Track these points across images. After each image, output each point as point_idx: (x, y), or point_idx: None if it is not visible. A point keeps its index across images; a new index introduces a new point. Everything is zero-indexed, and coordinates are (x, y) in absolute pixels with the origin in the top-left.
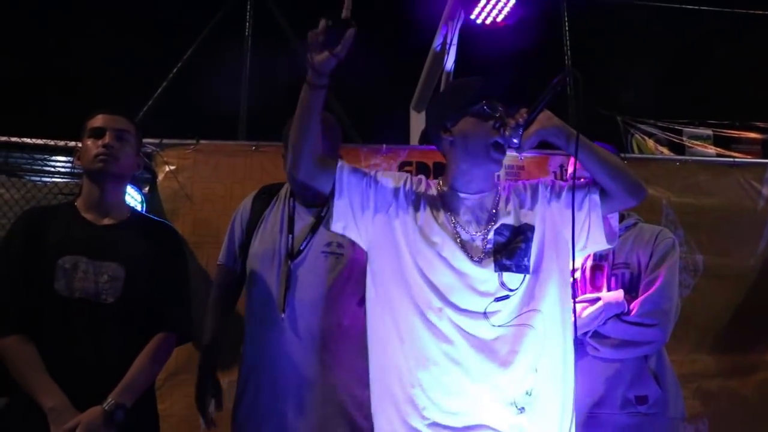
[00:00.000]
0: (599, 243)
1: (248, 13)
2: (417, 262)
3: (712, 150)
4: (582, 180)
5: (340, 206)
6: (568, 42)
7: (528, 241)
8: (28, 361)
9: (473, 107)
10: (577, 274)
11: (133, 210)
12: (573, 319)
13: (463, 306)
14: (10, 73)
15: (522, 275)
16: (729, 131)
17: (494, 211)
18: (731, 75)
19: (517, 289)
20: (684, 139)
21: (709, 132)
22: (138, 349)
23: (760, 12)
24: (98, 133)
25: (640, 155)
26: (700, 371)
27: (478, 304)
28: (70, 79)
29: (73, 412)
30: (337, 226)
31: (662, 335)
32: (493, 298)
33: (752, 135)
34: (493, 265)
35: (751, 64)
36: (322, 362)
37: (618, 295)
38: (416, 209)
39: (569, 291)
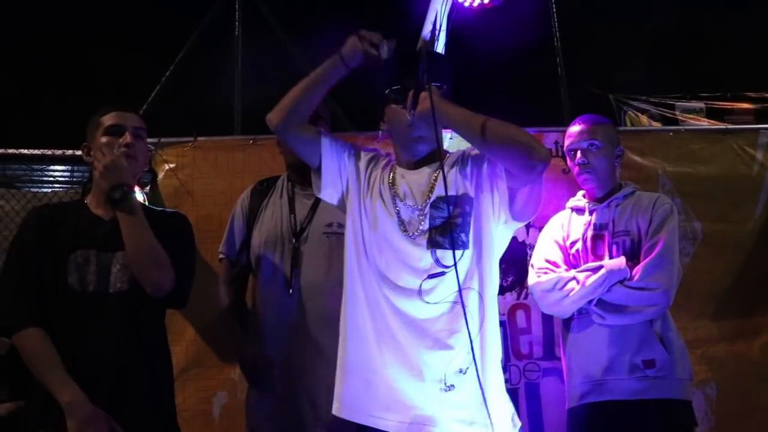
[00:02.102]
0: (508, 221)
1: (237, 12)
2: (363, 238)
3: (705, 122)
4: None
5: (326, 174)
6: (556, 23)
7: (466, 214)
8: (44, 355)
9: (388, 95)
10: (579, 244)
11: (143, 205)
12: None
13: (399, 283)
14: (3, 85)
15: (460, 251)
16: (721, 103)
17: (432, 185)
18: (721, 48)
19: (451, 266)
20: (677, 113)
21: (701, 105)
22: (151, 338)
23: None
24: (117, 131)
25: (633, 128)
26: (705, 337)
27: (412, 281)
28: (64, 87)
29: (89, 406)
30: (324, 193)
31: (666, 298)
32: (426, 275)
33: (744, 105)
34: (425, 241)
35: (740, 36)
36: (333, 341)
37: (620, 261)
38: (368, 187)
39: (498, 264)
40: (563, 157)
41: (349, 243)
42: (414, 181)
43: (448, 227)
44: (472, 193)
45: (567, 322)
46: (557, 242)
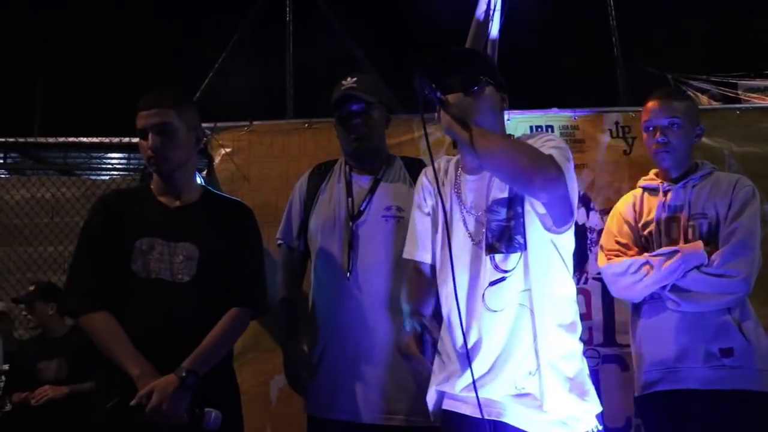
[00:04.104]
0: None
1: None
2: (437, 253)
3: None
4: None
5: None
6: (612, 2)
7: (518, 216)
8: (114, 334)
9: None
10: (652, 226)
11: (205, 189)
12: (565, 291)
13: (464, 292)
14: (62, 75)
15: (517, 254)
16: None
17: (489, 188)
18: None
19: (511, 270)
20: (739, 92)
21: (766, 83)
22: (211, 327)
23: None
24: (143, 135)
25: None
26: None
27: (475, 288)
28: (121, 74)
29: (158, 377)
30: None
31: (746, 286)
32: (488, 282)
33: None
34: (484, 247)
35: None
36: (393, 324)
37: (697, 246)
38: (437, 211)
39: (563, 262)
40: (624, 138)
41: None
42: (474, 188)
43: (504, 231)
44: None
45: (637, 307)
46: (629, 223)
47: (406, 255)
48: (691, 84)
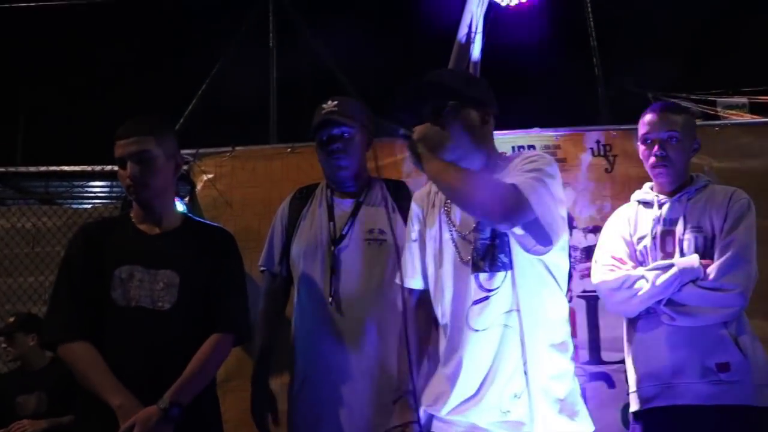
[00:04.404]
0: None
1: (271, 24)
2: (429, 276)
3: (749, 118)
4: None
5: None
6: (591, 23)
7: (503, 235)
8: (93, 364)
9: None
10: (647, 240)
11: (185, 216)
12: (556, 313)
13: (448, 311)
14: (45, 104)
15: (502, 273)
16: (764, 97)
17: None
18: (763, 40)
19: (495, 289)
20: (718, 109)
21: (744, 100)
22: (191, 355)
23: None
24: (121, 164)
25: None
26: (759, 337)
27: (460, 308)
28: (101, 103)
29: (140, 408)
30: None
31: (742, 300)
32: (471, 301)
33: None
34: (470, 266)
35: None
36: (376, 351)
37: (693, 260)
38: (425, 235)
39: (554, 281)
40: (605, 156)
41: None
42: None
43: (488, 250)
44: None
45: (633, 322)
46: (623, 237)
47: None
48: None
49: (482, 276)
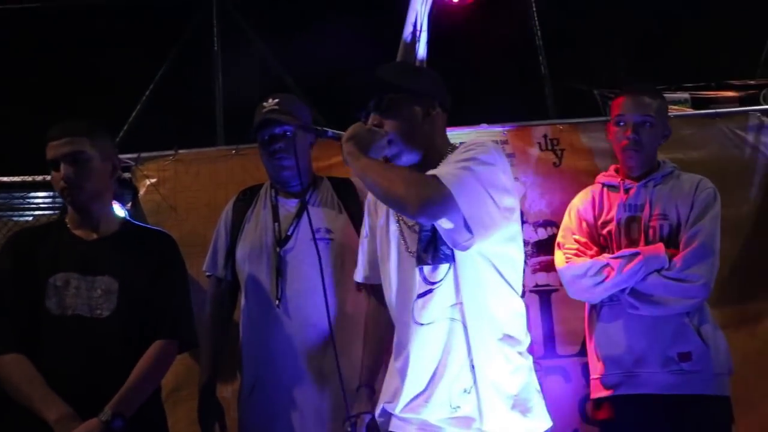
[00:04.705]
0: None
1: (215, 26)
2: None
3: (691, 112)
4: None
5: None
6: (536, 22)
7: None
8: (27, 376)
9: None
10: (611, 226)
11: (124, 221)
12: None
13: (394, 305)
14: None
15: (446, 265)
16: (706, 92)
17: None
18: (703, 37)
19: (438, 282)
20: None
21: (686, 95)
22: (133, 365)
23: None
24: (54, 166)
25: None
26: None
27: (405, 301)
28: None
29: (78, 421)
30: None
31: (706, 291)
32: (416, 295)
33: (729, 93)
34: (414, 259)
35: (719, 25)
36: (327, 352)
37: (658, 248)
38: (375, 228)
39: (499, 275)
40: (553, 151)
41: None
42: None
43: (430, 241)
44: None
45: (595, 309)
46: (587, 221)
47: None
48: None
49: (426, 268)
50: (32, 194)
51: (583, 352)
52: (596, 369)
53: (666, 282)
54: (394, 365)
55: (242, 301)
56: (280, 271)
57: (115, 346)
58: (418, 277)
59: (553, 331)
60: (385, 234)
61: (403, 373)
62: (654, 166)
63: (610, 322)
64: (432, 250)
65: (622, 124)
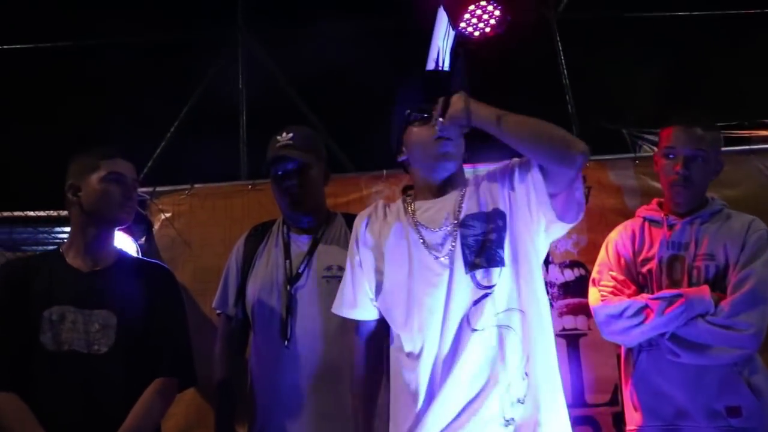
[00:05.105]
0: (555, 222)
1: (240, 63)
2: (387, 292)
3: (725, 149)
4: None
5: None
6: (563, 61)
7: (500, 230)
8: (19, 417)
9: (406, 120)
10: (652, 264)
11: (120, 252)
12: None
13: (434, 315)
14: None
15: (498, 269)
16: (739, 131)
17: (460, 206)
18: (735, 76)
19: (492, 286)
20: None
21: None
22: (133, 402)
23: (754, 11)
24: (121, 180)
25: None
26: None
27: (453, 309)
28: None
29: None
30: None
31: (756, 342)
32: (471, 301)
33: (763, 132)
34: (466, 264)
35: (753, 63)
36: (337, 394)
37: (703, 291)
38: (378, 248)
39: (542, 281)
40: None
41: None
42: (440, 207)
43: (482, 245)
44: (503, 207)
45: (631, 353)
46: (626, 257)
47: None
48: (646, 138)
49: (479, 273)
50: (57, 229)
51: (614, 401)
52: (633, 419)
53: (711, 328)
54: (431, 380)
55: (252, 340)
56: (290, 309)
57: (113, 384)
58: (470, 283)
59: (581, 378)
60: (402, 248)
61: (432, 393)
62: (702, 202)
63: (648, 367)
64: (486, 253)
65: (671, 156)
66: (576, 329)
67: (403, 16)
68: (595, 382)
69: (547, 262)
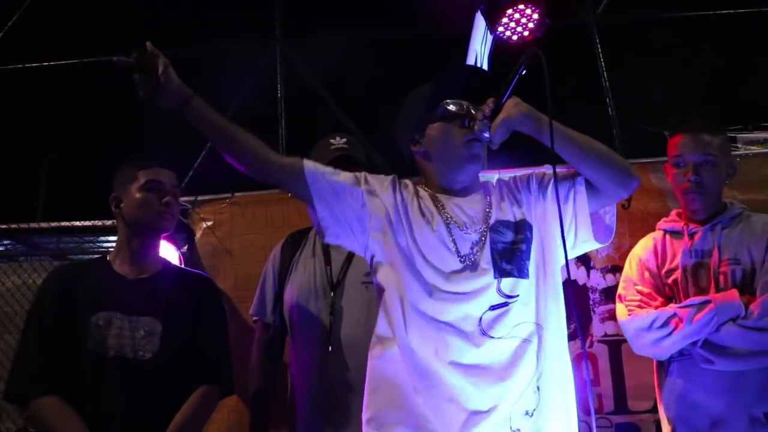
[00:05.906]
0: (587, 241)
1: (279, 75)
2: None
3: None
4: (566, 170)
5: (326, 217)
6: (602, 62)
7: (528, 241)
8: (66, 419)
9: (435, 112)
10: (677, 274)
11: (165, 262)
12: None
13: (451, 316)
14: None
15: (527, 280)
16: None
17: (488, 209)
18: None
19: (515, 296)
20: (738, 145)
21: (765, 135)
22: (180, 406)
23: None
24: (160, 188)
25: None
26: None
27: (472, 313)
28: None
29: None
30: (330, 239)
31: None
32: (488, 307)
33: None
34: (495, 269)
35: None
36: None
37: (732, 295)
38: (410, 220)
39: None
40: None
41: (391, 291)
42: (469, 207)
43: (512, 254)
44: (530, 220)
45: (664, 365)
46: (651, 270)
47: None
48: None
49: (505, 282)
50: (102, 238)
51: (656, 408)
52: None
53: (743, 332)
54: (445, 390)
55: (290, 347)
56: (332, 316)
57: (157, 390)
58: (492, 288)
59: (624, 385)
60: (428, 231)
61: (444, 396)
62: (720, 207)
63: (681, 378)
64: (516, 263)
65: (681, 165)
66: (618, 335)
67: (440, 25)
68: (637, 389)
69: (588, 267)
